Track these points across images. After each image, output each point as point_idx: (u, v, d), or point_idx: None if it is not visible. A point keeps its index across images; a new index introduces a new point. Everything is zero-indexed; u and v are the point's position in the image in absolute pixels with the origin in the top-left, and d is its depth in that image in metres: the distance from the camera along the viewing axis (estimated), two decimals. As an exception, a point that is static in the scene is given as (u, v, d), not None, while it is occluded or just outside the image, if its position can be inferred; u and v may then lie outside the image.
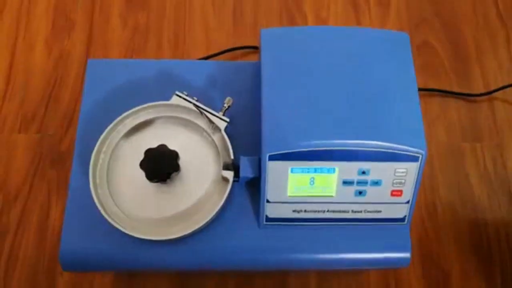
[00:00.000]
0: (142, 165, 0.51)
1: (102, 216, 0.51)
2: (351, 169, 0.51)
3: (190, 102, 0.55)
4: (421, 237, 0.74)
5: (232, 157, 0.53)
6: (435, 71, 0.85)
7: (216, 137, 0.55)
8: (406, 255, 0.55)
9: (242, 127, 0.58)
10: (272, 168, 0.51)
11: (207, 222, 0.51)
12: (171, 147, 0.52)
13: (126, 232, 0.50)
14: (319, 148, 0.49)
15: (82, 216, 0.54)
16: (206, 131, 0.55)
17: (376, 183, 0.52)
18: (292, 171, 0.51)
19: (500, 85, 0.83)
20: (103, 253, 0.54)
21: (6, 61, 0.83)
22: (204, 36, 0.86)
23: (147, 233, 0.51)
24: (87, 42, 0.85)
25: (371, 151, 0.50)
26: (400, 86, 0.53)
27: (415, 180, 0.52)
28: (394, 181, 0.52)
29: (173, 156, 0.52)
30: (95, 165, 0.53)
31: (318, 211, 0.54)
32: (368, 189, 0.52)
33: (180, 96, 0.55)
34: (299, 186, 0.52)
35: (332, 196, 0.53)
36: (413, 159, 0.51)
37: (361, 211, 0.54)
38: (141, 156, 0.51)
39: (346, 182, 0.52)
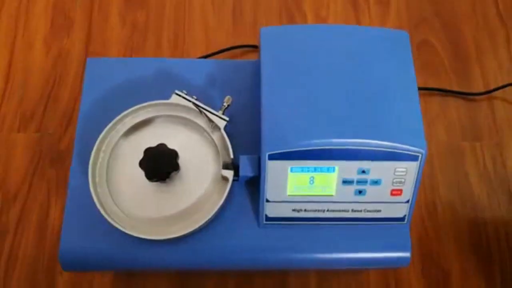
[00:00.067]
0: (142, 164, 0.51)
1: (102, 216, 0.51)
2: (350, 168, 0.51)
3: (190, 101, 0.55)
4: (421, 236, 0.74)
5: (231, 156, 0.53)
6: (435, 70, 0.85)
7: (215, 136, 0.54)
8: (406, 254, 0.55)
9: (241, 126, 0.58)
10: (272, 167, 0.50)
11: (206, 222, 0.51)
12: (171, 146, 0.52)
13: (126, 231, 0.50)
14: (318, 147, 0.49)
15: (81, 215, 0.54)
16: (205, 130, 0.55)
17: (376, 182, 0.52)
18: (291, 170, 0.51)
19: (500, 84, 0.83)
20: (103, 253, 0.54)
21: (5, 60, 0.83)
22: (204, 35, 0.86)
23: (147, 232, 0.51)
24: (86, 41, 0.85)
25: (371, 150, 0.50)
26: (400, 85, 0.53)
27: (415, 179, 0.52)
28: (394, 180, 0.52)
29: (172, 155, 0.51)
30: (95, 164, 0.53)
31: (318, 211, 0.54)
32: (368, 188, 0.52)
33: (179, 95, 0.55)
34: (299, 185, 0.52)
35: (331, 195, 0.53)
36: (413, 158, 0.51)
37: (361, 211, 0.54)
38: (140, 155, 0.51)
39: (346, 181, 0.52)
